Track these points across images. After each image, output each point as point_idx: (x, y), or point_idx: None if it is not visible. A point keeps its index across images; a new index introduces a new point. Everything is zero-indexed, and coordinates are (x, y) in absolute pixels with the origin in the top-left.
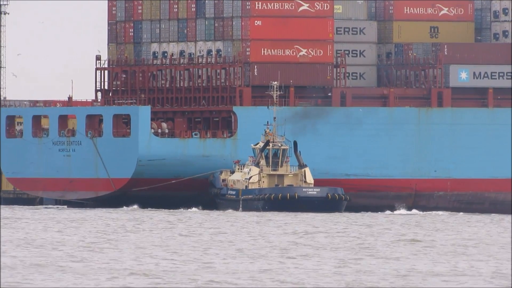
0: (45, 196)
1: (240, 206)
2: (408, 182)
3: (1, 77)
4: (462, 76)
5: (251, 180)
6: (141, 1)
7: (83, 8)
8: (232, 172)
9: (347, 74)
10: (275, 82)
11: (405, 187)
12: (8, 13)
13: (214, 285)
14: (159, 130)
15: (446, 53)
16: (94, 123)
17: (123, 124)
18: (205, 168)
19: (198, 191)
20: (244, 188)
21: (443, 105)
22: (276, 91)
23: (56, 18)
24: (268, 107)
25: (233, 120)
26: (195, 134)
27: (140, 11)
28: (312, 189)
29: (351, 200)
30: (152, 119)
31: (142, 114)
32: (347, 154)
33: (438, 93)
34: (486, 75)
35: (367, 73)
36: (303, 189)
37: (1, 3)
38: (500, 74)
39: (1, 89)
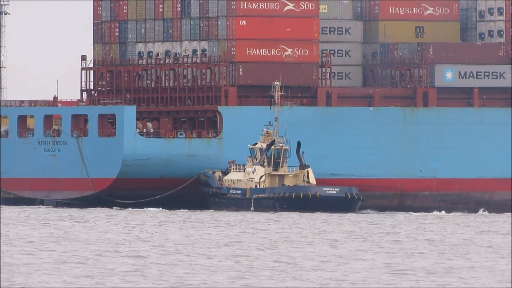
0: (30, 196)
1: (252, 205)
2: (394, 181)
3: (1, 77)
4: (447, 75)
5: (258, 180)
6: (126, 1)
7: (68, 8)
8: (225, 172)
9: (333, 74)
10: (277, 82)
11: (391, 187)
12: (9, 13)
13: None
14: (144, 130)
15: (431, 53)
16: (79, 123)
17: (108, 124)
18: (191, 168)
19: (186, 191)
20: (252, 187)
21: (429, 105)
22: (278, 91)
23: (42, 18)
24: (270, 107)
25: (218, 120)
26: (181, 134)
27: (126, 11)
28: (331, 189)
29: (365, 200)
30: (137, 119)
31: (127, 114)
32: (333, 154)
33: (423, 92)
34: (471, 75)
35: (352, 73)
36: (323, 189)
37: (1, 3)
38: (486, 74)
39: (1, 89)
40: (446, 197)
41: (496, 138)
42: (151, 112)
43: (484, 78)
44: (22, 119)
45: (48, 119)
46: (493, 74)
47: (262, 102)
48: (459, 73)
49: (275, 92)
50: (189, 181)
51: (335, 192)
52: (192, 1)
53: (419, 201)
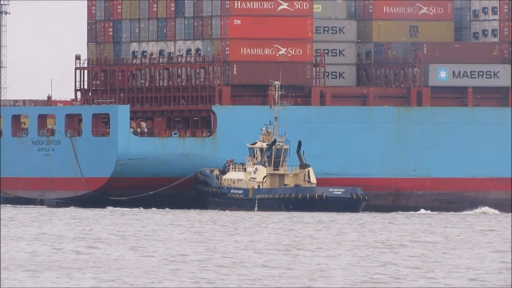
0: (24, 196)
1: (256, 205)
2: (388, 181)
3: (2, 77)
4: (441, 75)
5: (260, 180)
6: (120, 1)
7: (62, 7)
8: (223, 171)
9: (327, 73)
10: (277, 82)
11: (385, 186)
12: (9, 13)
13: None
14: (138, 130)
15: (425, 52)
16: (73, 122)
17: (102, 124)
18: (185, 168)
19: (180, 190)
20: (254, 187)
21: (423, 104)
22: (278, 90)
23: (37, 17)
24: (270, 107)
25: (212, 119)
26: (174, 134)
27: (120, 10)
28: (337, 190)
29: (369, 201)
30: (131, 119)
31: (121, 114)
32: (327, 153)
33: (417, 92)
34: (465, 74)
35: (346, 72)
36: (329, 189)
37: (2, 3)
38: (480, 73)
39: (1, 89)
40: (440, 196)
41: (490, 138)
42: (145, 111)
43: (478, 77)
44: (16, 118)
45: (42, 118)
46: (487, 73)
47: (256, 102)
48: (453, 72)
49: (275, 91)
50: (180, 180)
51: (340, 192)
52: (186, 0)
53: (413, 201)
